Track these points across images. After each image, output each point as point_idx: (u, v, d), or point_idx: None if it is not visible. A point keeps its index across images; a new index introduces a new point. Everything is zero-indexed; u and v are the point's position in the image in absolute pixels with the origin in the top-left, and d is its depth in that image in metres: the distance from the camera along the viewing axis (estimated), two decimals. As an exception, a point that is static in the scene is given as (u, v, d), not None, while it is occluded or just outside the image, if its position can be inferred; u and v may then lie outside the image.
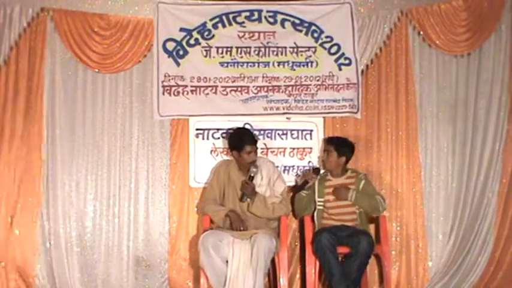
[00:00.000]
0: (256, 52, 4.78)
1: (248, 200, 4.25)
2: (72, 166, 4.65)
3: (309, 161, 4.74)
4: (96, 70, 4.72)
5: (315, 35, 4.81)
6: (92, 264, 4.59)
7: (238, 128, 4.56)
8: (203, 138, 4.73)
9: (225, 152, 4.71)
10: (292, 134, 4.77)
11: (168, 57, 4.74)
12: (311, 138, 4.77)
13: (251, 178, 4.26)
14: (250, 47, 4.77)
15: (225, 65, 4.76)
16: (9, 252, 4.48)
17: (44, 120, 4.62)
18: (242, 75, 4.75)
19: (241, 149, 4.28)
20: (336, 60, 4.79)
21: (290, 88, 4.77)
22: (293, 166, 4.73)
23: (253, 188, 4.26)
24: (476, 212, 4.67)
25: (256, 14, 4.80)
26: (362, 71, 4.81)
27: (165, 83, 4.72)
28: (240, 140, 4.31)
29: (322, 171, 4.46)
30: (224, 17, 4.79)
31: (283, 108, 4.76)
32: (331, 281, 4.04)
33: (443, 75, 4.83)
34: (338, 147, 4.38)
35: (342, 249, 4.13)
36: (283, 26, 4.80)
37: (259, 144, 4.48)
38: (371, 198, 4.31)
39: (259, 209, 4.25)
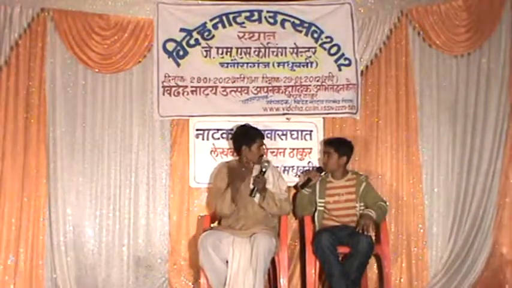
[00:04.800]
0: (256, 52, 4.78)
1: (257, 195, 4.23)
2: (73, 166, 4.65)
3: (309, 161, 4.75)
4: (96, 70, 4.72)
5: (315, 35, 4.81)
6: (93, 264, 4.60)
7: (242, 126, 4.51)
8: (203, 139, 4.73)
9: (225, 153, 4.72)
10: (292, 135, 4.77)
11: (168, 57, 4.74)
12: (311, 139, 4.77)
13: (263, 173, 4.25)
14: (250, 48, 4.78)
15: (225, 65, 4.76)
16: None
17: (44, 120, 4.62)
18: (242, 76, 4.75)
19: (253, 142, 4.27)
20: (336, 61, 4.79)
21: (290, 89, 4.77)
22: (293, 166, 4.74)
23: (265, 182, 4.25)
24: (476, 212, 4.68)
25: (256, 14, 4.81)
26: (362, 71, 4.82)
27: (165, 84, 4.72)
28: (250, 135, 4.32)
29: (323, 172, 4.46)
30: (224, 18, 4.79)
31: (283, 109, 4.76)
32: (331, 281, 4.05)
33: (444, 76, 4.83)
34: (338, 148, 4.39)
35: (342, 249, 4.14)
36: (283, 26, 4.81)
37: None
38: (379, 210, 4.28)
39: (269, 205, 4.25)
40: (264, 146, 4.38)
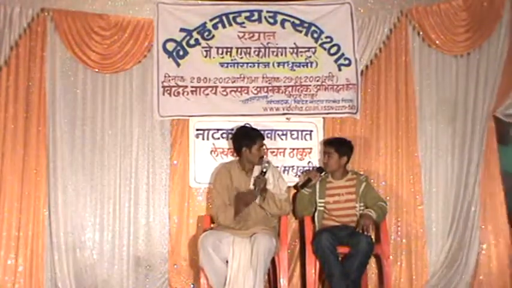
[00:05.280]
0: (256, 52, 4.78)
1: (258, 195, 4.23)
2: (72, 166, 4.65)
3: (309, 161, 4.75)
4: (96, 70, 4.72)
5: (315, 35, 4.81)
6: (93, 264, 4.60)
7: (242, 127, 4.54)
8: (203, 139, 4.73)
9: (225, 153, 4.72)
10: (292, 135, 4.78)
11: (168, 57, 4.74)
12: (311, 139, 4.78)
13: (264, 173, 4.25)
14: (250, 48, 4.78)
15: (225, 65, 4.76)
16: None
17: (44, 121, 4.61)
18: (242, 76, 4.76)
19: (253, 144, 4.27)
20: (336, 61, 4.80)
21: (290, 89, 4.77)
22: (293, 166, 4.74)
23: (266, 183, 4.25)
24: (475, 211, 4.68)
25: (256, 14, 4.81)
26: (362, 71, 4.82)
27: (165, 84, 4.72)
28: (250, 136, 4.32)
29: (323, 172, 4.46)
30: (224, 18, 4.79)
31: (283, 109, 4.77)
32: (331, 281, 4.05)
33: (443, 75, 4.83)
34: (338, 148, 4.40)
35: (342, 249, 4.15)
36: (283, 26, 4.81)
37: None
38: (379, 210, 4.29)
39: (270, 206, 4.25)
40: (264, 147, 4.39)
